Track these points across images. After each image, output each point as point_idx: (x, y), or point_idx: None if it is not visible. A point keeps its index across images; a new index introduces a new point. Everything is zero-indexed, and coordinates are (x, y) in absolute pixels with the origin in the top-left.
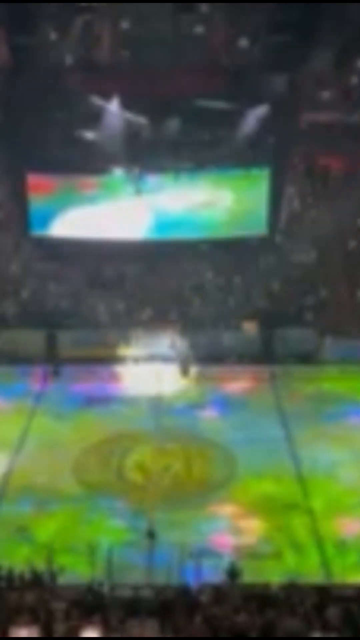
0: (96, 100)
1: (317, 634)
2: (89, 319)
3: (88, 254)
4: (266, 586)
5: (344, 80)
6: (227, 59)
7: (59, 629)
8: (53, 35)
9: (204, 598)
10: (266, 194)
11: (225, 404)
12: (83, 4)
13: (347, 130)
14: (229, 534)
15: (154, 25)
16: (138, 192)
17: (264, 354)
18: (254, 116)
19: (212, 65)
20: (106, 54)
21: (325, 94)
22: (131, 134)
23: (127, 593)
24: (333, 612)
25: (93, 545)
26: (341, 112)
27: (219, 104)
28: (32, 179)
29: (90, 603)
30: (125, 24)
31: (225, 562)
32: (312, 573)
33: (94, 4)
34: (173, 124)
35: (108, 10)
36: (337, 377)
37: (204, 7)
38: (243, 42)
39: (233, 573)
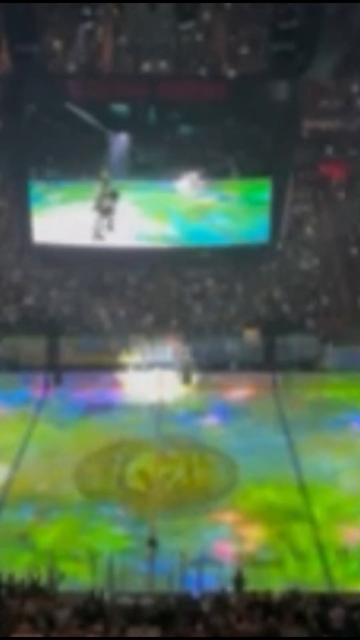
0: None
1: None
2: (90, 325)
3: (89, 261)
4: (268, 594)
5: (345, 89)
6: (228, 67)
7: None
8: (55, 44)
9: (206, 606)
10: (268, 201)
11: (227, 412)
12: (86, 13)
13: (348, 138)
14: (231, 542)
15: (155, 33)
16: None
17: (265, 361)
18: (117, 142)
19: (213, 73)
20: (108, 62)
21: (327, 102)
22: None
23: (128, 601)
24: (336, 615)
25: (94, 553)
26: (342, 120)
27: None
28: (36, 186)
29: (92, 611)
30: (127, 33)
31: (226, 570)
32: (313, 581)
33: (97, 13)
34: None
35: (110, 19)
36: (338, 384)
37: (205, 15)
38: (244, 50)
39: (239, 581)
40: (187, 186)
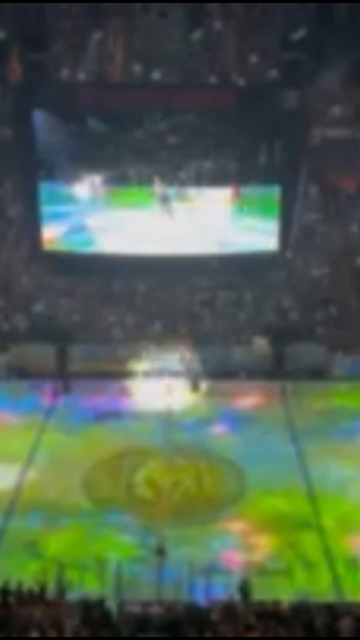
0: None
1: None
2: (99, 333)
3: (99, 269)
4: (277, 604)
5: (355, 97)
6: (238, 75)
7: None
8: (66, 52)
9: (214, 615)
10: (277, 209)
11: (236, 420)
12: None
13: (357, 146)
14: (239, 551)
15: (165, 42)
16: (165, 204)
17: (274, 370)
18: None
19: (223, 81)
20: (118, 70)
21: (336, 110)
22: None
23: (136, 609)
24: (345, 625)
25: (102, 561)
26: (352, 128)
27: None
28: (45, 194)
29: (99, 619)
30: (137, 41)
31: (235, 579)
32: (323, 591)
33: (107, 21)
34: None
35: (120, 27)
36: (348, 393)
37: (216, 24)
38: (254, 59)
39: (244, 590)
40: (87, 189)
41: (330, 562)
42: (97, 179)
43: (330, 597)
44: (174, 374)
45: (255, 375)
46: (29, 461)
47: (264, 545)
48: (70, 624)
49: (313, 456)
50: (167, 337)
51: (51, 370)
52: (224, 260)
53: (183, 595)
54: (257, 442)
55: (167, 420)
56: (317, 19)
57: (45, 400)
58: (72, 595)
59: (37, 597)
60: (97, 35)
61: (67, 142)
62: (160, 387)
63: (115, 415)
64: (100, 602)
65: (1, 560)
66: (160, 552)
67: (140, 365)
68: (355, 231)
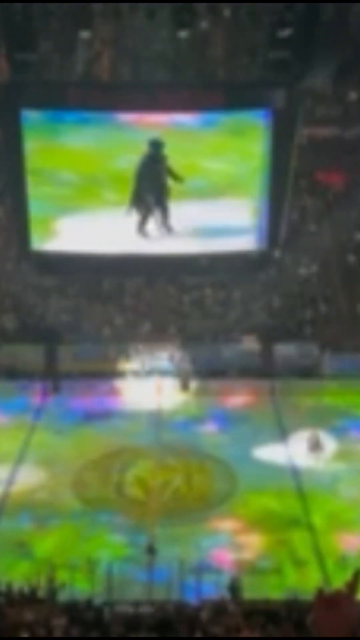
0: None
1: None
2: (88, 333)
3: (87, 268)
4: (267, 602)
5: (343, 96)
6: (226, 75)
7: None
8: (54, 52)
9: (204, 614)
10: (266, 208)
11: (225, 419)
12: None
13: (345, 145)
14: (230, 550)
15: (153, 41)
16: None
17: (263, 369)
18: None
19: (211, 81)
20: (106, 70)
21: (324, 110)
22: None
23: (126, 609)
24: None
25: (92, 561)
26: (340, 128)
27: None
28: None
29: (90, 619)
30: (125, 41)
31: (225, 578)
32: (312, 589)
33: (95, 21)
34: None
35: (108, 27)
36: (337, 391)
37: (203, 24)
38: (242, 59)
39: (234, 588)
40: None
41: (320, 560)
42: None
43: None
44: (163, 373)
45: (245, 374)
46: (19, 461)
47: (254, 544)
48: (61, 625)
49: (303, 455)
50: (156, 336)
51: (40, 370)
52: (213, 259)
53: (173, 594)
54: (246, 441)
55: (157, 419)
56: (305, 18)
57: (35, 400)
58: (63, 596)
59: (27, 598)
60: (84, 35)
61: None
62: (149, 386)
63: (104, 415)
64: (91, 602)
65: None
66: (151, 551)
67: (130, 365)
68: (344, 229)
